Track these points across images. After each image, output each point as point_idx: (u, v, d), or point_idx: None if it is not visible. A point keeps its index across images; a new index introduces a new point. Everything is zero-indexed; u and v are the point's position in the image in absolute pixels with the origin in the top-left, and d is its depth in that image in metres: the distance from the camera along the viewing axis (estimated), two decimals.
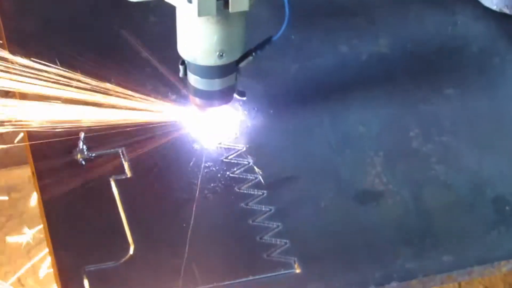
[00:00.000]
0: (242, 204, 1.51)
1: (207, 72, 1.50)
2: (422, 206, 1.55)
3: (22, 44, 1.75)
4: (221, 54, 1.46)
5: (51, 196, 1.50)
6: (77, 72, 1.65)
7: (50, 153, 1.57)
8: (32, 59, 1.61)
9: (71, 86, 1.63)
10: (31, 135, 1.59)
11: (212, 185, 1.54)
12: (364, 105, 1.71)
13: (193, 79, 1.52)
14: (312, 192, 1.55)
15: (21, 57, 1.62)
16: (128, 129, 1.60)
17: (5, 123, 1.57)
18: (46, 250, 1.47)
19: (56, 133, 1.59)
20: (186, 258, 1.42)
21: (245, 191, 1.53)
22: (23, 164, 2.73)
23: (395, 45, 1.83)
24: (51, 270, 1.43)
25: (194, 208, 1.50)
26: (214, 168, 1.57)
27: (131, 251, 1.42)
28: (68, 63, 1.72)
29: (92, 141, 1.57)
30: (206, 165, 1.57)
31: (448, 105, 1.73)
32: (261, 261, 1.44)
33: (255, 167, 1.56)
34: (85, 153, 1.56)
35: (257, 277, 1.42)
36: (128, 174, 1.54)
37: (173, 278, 1.40)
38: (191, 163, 1.57)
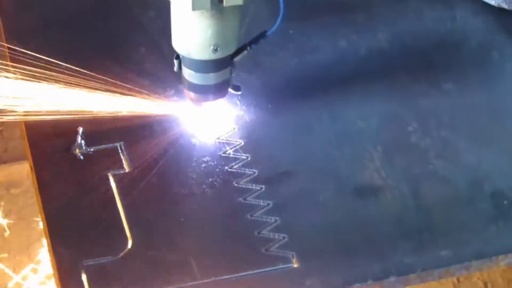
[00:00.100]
0: (240, 199, 1.52)
1: (202, 66, 1.49)
2: (420, 200, 1.55)
3: (21, 41, 1.75)
4: (215, 48, 1.46)
5: (49, 191, 1.50)
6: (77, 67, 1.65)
7: (49, 148, 1.57)
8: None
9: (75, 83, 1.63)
10: (29, 131, 1.59)
11: (210, 179, 1.54)
12: (363, 100, 1.71)
13: (188, 74, 1.52)
14: (311, 187, 1.56)
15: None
16: (127, 124, 1.61)
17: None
18: (45, 245, 1.47)
19: (55, 128, 1.59)
20: (184, 252, 1.42)
21: (243, 186, 1.53)
22: (22, 159, 2.73)
23: (394, 40, 1.83)
24: (50, 265, 1.43)
25: (192, 203, 1.51)
26: (212, 163, 1.57)
27: (129, 246, 1.42)
28: (68, 59, 1.73)
29: (90, 136, 1.57)
30: (204, 159, 1.57)
31: (447, 99, 1.73)
32: (259, 256, 1.44)
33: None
34: (84, 148, 1.55)
35: (255, 271, 1.42)
36: (127, 169, 1.54)
37: (172, 272, 1.40)
38: (189, 158, 1.57)
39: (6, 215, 2.75)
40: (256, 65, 1.68)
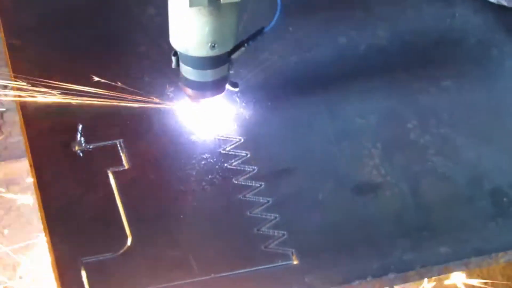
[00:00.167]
0: (240, 196, 1.52)
1: (199, 63, 1.50)
2: (420, 198, 1.55)
3: (20, 38, 1.75)
4: (213, 45, 1.46)
5: (49, 188, 1.50)
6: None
7: (48, 146, 1.57)
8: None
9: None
10: (29, 128, 1.59)
11: (209, 176, 1.54)
12: (362, 97, 1.71)
13: (186, 70, 1.52)
14: (310, 184, 1.56)
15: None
16: (126, 121, 1.61)
17: None
18: (45, 242, 1.47)
19: (54, 126, 1.59)
20: (184, 249, 1.42)
21: (242, 183, 1.53)
22: (21, 157, 2.73)
23: (394, 37, 1.83)
24: (49, 261, 1.43)
25: (191, 200, 1.50)
26: (211, 160, 1.57)
27: (128, 243, 1.42)
28: (67, 56, 1.73)
29: (90, 133, 1.57)
30: (204, 156, 1.57)
31: (446, 97, 1.73)
32: (259, 253, 1.44)
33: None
34: (83, 145, 1.56)
35: (254, 268, 1.42)
36: (126, 165, 1.54)
37: (171, 269, 1.40)
38: (189, 155, 1.57)
39: (5, 213, 2.75)
40: (255, 62, 1.68)
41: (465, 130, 1.67)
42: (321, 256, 1.45)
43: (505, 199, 1.56)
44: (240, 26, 1.48)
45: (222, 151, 1.58)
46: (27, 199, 2.75)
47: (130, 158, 1.55)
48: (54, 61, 1.73)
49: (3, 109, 2.75)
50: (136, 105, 1.64)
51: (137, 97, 1.65)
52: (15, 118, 2.24)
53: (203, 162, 1.56)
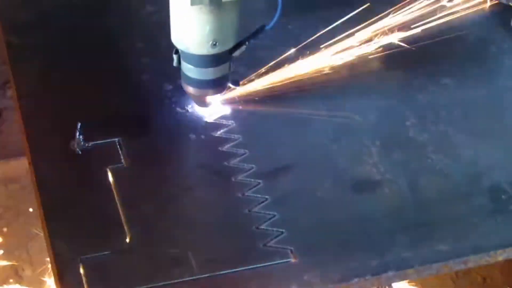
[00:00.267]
0: (239, 194, 1.51)
1: (201, 61, 1.50)
2: (418, 195, 1.55)
3: (19, 36, 1.75)
4: (214, 43, 1.46)
5: (48, 186, 1.50)
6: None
7: (47, 144, 1.57)
8: None
9: None
10: (28, 126, 1.59)
11: (208, 174, 1.54)
12: (361, 94, 1.71)
13: (187, 68, 1.53)
14: (309, 182, 1.56)
15: None
16: (125, 119, 1.61)
17: None
18: (44, 240, 1.47)
19: (53, 124, 1.59)
20: (183, 247, 1.42)
21: (241, 181, 1.53)
22: (20, 155, 2.73)
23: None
24: (48, 260, 1.43)
25: (190, 198, 1.51)
26: (210, 158, 1.57)
27: (127, 241, 1.42)
28: (65, 54, 1.73)
29: (89, 131, 1.57)
30: (203, 154, 1.57)
31: (445, 94, 1.73)
32: (258, 251, 1.44)
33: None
34: (82, 143, 1.55)
35: (253, 266, 1.42)
36: (125, 163, 1.54)
37: (170, 267, 1.40)
38: (187, 153, 1.57)
39: (4, 211, 2.75)
40: (254, 59, 1.68)
41: (464, 127, 1.67)
42: (320, 254, 1.45)
43: (503, 196, 1.56)
44: (242, 24, 1.48)
45: (221, 149, 1.58)
46: (26, 198, 2.75)
47: (128, 156, 1.55)
48: (53, 59, 1.73)
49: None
50: (135, 103, 1.64)
51: (135, 95, 1.65)
52: (14, 117, 2.24)
53: (201, 160, 1.57)
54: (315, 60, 1.73)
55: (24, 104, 1.62)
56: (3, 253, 2.64)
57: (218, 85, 1.56)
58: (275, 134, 1.62)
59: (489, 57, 1.83)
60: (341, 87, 1.72)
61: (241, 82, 1.63)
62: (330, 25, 1.74)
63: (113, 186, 1.50)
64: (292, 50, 1.72)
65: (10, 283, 2.59)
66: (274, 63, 1.70)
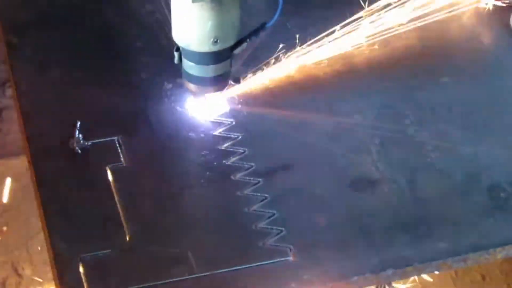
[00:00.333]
0: (238, 192, 1.52)
1: (202, 58, 1.50)
2: (417, 193, 1.55)
3: (18, 36, 1.75)
4: (215, 40, 1.46)
5: (47, 185, 1.50)
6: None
7: (47, 143, 1.57)
8: None
9: None
10: (27, 125, 1.59)
11: (208, 173, 1.54)
12: (360, 93, 1.71)
13: (188, 66, 1.53)
14: (308, 180, 1.56)
15: None
16: (124, 117, 1.61)
17: None
18: (44, 239, 1.47)
19: (53, 123, 1.59)
20: (182, 246, 1.42)
21: (241, 179, 1.53)
22: (20, 154, 2.73)
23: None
24: (48, 259, 1.43)
25: (189, 197, 1.51)
26: (210, 157, 1.57)
27: (126, 239, 1.42)
28: (64, 53, 1.73)
29: (88, 129, 1.57)
30: (202, 153, 1.57)
31: (444, 93, 1.73)
32: (257, 249, 1.44)
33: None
34: (81, 142, 1.55)
35: (252, 264, 1.42)
36: (124, 162, 1.54)
37: (169, 266, 1.40)
38: (187, 152, 1.57)
39: (4, 210, 2.75)
40: (253, 58, 1.68)
41: (463, 126, 1.67)
42: (319, 252, 1.45)
43: (502, 194, 1.56)
44: (242, 22, 1.48)
45: (220, 148, 1.58)
46: (26, 197, 2.75)
47: (128, 155, 1.55)
48: (53, 58, 1.73)
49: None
50: (134, 102, 1.64)
51: (135, 93, 1.65)
52: (13, 116, 2.24)
53: (201, 159, 1.57)
54: (314, 58, 1.73)
55: (23, 103, 1.62)
56: (3, 252, 2.64)
57: (219, 82, 1.56)
58: (275, 133, 1.62)
59: (487, 56, 1.83)
60: (340, 85, 1.72)
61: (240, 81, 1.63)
62: (329, 23, 1.74)
63: (112, 185, 1.50)
64: (291, 49, 1.72)
65: (10, 282, 2.59)
66: (273, 62, 1.70)
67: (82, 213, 1.46)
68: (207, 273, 1.40)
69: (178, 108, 1.63)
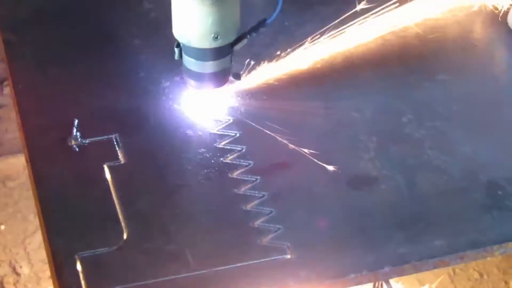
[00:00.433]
0: (236, 190, 1.52)
1: (202, 54, 1.50)
2: (415, 191, 1.55)
3: (16, 34, 1.75)
4: (216, 36, 1.46)
5: (45, 183, 1.50)
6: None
7: (44, 141, 1.57)
8: None
9: None
10: (25, 123, 1.59)
11: (205, 171, 1.54)
12: (357, 90, 1.71)
13: (188, 62, 1.53)
14: (305, 178, 1.56)
15: None
16: (122, 115, 1.61)
17: None
18: (41, 237, 1.47)
19: (50, 121, 1.59)
20: (180, 243, 1.42)
21: (238, 177, 1.54)
22: (18, 153, 2.74)
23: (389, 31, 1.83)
24: (45, 257, 1.43)
25: (187, 194, 1.51)
26: (207, 155, 1.57)
27: (124, 237, 1.42)
28: (63, 52, 1.73)
29: (86, 128, 1.57)
30: (200, 151, 1.57)
31: (441, 90, 1.74)
32: (254, 247, 1.44)
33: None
34: (79, 140, 1.56)
35: (250, 262, 1.42)
36: (122, 160, 1.54)
37: (167, 263, 1.40)
38: (185, 150, 1.57)
39: (2, 209, 2.75)
40: (250, 55, 1.68)
41: (461, 123, 1.67)
42: (316, 250, 1.45)
43: (500, 192, 1.56)
44: (242, 18, 1.48)
45: (218, 146, 1.58)
46: (24, 195, 2.75)
47: (126, 153, 1.55)
48: (51, 56, 1.73)
49: None
50: (132, 99, 1.65)
51: (133, 91, 1.66)
52: (11, 114, 2.24)
53: (199, 157, 1.57)
54: (311, 56, 1.73)
55: (21, 102, 1.62)
56: (0, 250, 2.64)
57: (219, 78, 1.56)
58: (272, 131, 1.62)
59: (485, 54, 1.83)
60: (338, 83, 1.72)
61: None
62: (327, 21, 1.74)
63: (110, 183, 1.50)
64: (288, 47, 1.72)
65: (7, 280, 2.59)
66: (271, 60, 1.70)
67: (80, 211, 1.46)
68: (204, 271, 1.40)
69: (176, 106, 1.63)
